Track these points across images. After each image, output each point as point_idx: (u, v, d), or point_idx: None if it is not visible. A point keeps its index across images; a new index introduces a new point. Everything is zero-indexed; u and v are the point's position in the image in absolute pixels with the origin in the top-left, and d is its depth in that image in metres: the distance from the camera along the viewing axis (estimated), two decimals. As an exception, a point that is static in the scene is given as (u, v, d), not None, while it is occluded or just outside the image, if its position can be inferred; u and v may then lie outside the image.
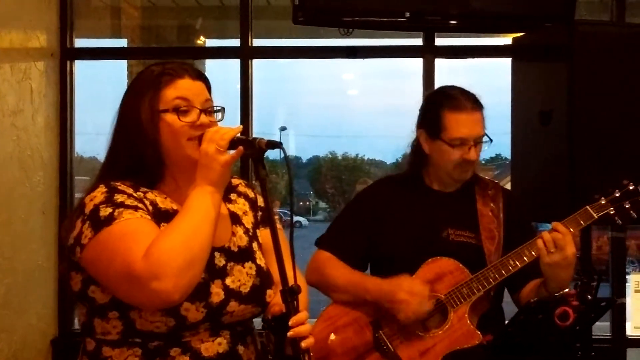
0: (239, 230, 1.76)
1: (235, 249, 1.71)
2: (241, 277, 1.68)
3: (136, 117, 1.65)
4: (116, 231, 1.54)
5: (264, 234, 1.80)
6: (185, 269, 1.49)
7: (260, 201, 1.86)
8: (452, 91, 2.42)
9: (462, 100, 2.37)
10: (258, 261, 1.74)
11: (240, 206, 1.82)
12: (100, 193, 1.61)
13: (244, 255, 1.72)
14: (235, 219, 1.78)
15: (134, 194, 1.62)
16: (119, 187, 1.63)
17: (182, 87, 1.67)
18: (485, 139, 2.39)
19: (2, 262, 3.40)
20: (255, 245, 1.77)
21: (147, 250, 1.49)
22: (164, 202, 1.67)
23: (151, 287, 1.47)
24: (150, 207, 1.63)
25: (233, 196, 1.83)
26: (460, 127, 2.34)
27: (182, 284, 1.50)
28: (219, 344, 1.64)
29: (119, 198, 1.59)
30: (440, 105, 2.39)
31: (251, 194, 1.87)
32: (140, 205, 1.60)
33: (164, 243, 1.50)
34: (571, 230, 2.24)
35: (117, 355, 1.61)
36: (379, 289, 2.33)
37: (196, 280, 1.54)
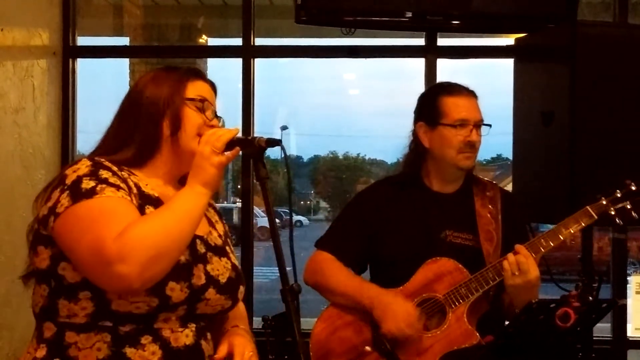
0: (215, 232, 1.78)
1: (212, 244, 1.73)
2: (219, 267, 1.69)
3: (160, 96, 1.69)
4: (95, 206, 1.52)
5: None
6: (153, 261, 1.48)
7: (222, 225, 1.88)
8: (445, 83, 2.50)
9: (457, 86, 2.44)
10: (233, 260, 1.76)
11: (211, 214, 1.84)
12: (84, 166, 1.60)
13: (220, 251, 1.73)
14: (210, 223, 1.80)
15: (119, 173, 1.62)
16: (104, 163, 1.62)
17: (203, 88, 1.75)
18: (484, 127, 2.42)
19: (3, 260, 3.41)
20: (228, 248, 1.79)
21: (121, 232, 1.47)
22: (146, 187, 1.67)
23: (115, 269, 1.44)
24: (134, 189, 1.63)
25: None
26: (459, 109, 2.38)
27: (146, 275, 1.48)
28: (186, 335, 1.63)
29: (104, 174, 1.58)
30: (437, 93, 2.45)
31: (217, 207, 1.91)
32: (122, 185, 1.59)
33: (140, 230, 1.49)
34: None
35: (83, 340, 1.56)
36: (373, 300, 2.33)
37: (160, 276, 1.52)
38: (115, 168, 1.62)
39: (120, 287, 1.50)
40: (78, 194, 1.53)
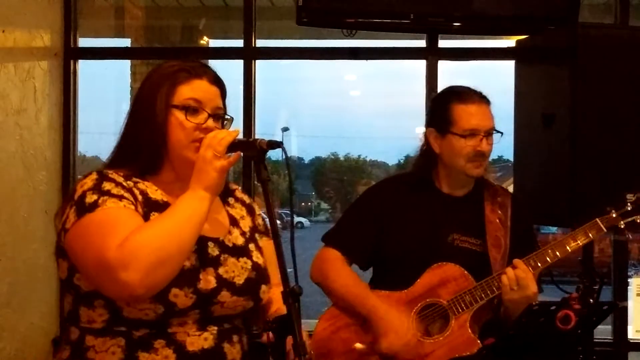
0: (236, 232, 1.77)
1: (230, 245, 1.72)
2: (235, 269, 1.68)
3: (150, 104, 1.67)
4: (97, 218, 1.55)
5: (265, 244, 1.81)
6: (156, 267, 1.49)
7: (257, 209, 1.88)
8: (458, 87, 2.45)
9: (470, 93, 2.39)
10: (255, 259, 1.74)
11: (237, 210, 1.83)
12: (90, 180, 1.62)
13: (239, 251, 1.72)
14: (233, 221, 1.79)
15: (124, 183, 1.63)
16: (109, 175, 1.64)
17: (197, 88, 1.69)
18: (495, 134, 2.39)
19: (4, 261, 3.41)
20: (252, 246, 1.77)
21: (123, 240, 1.49)
22: (155, 193, 1.68)
23: (119, 277, 1.47)
24: (140, 197, 1.64)
25: (231, 200, 1.85)
26: (470, 118, 2.35)
27: (149, 281, 1.49)
28: (205, 339, 1.63)
29: (106, 186, 1.60)
30: (448, 100, 2.41)
31: (248, 200, 1.89)
32: (126, 194, 1.61)
33: (141, 237, 1.50)
34: (579, 241, 2.24)
35: (100, 344, 1.60)
36: (372, 312, 2.32)
37: (166, 280, 1.53)
38: (120, 179, 1.64)
39: (125, 294, 1.52)
40: (82, 208, 1.57)
